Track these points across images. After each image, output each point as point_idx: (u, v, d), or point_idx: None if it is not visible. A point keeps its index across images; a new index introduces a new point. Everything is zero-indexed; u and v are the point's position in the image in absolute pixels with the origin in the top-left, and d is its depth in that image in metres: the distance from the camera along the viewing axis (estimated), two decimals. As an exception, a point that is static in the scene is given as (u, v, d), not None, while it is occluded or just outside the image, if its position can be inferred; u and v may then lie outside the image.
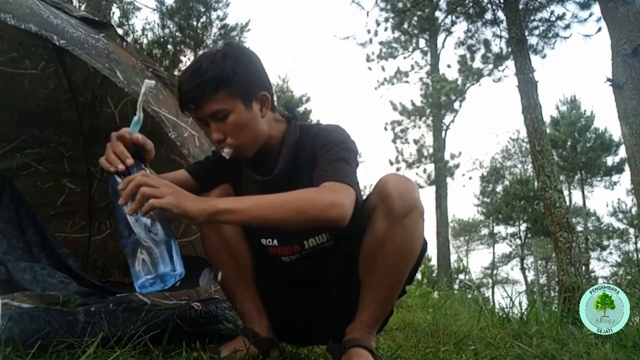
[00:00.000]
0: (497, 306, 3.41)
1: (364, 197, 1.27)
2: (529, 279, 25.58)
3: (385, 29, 13.64)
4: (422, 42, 16.94)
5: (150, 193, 1.01)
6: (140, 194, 1.01)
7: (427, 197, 17.30)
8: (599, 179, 22.45)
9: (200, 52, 13.06)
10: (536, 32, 8.42)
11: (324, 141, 1.22)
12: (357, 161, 1.25)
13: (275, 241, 1.31)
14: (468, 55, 14.59)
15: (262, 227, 1.23)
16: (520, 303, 2.84)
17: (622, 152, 20.77)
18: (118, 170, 1.08)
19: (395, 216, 1.14)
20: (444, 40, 16.68)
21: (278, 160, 1.25)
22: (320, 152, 1.21)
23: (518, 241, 23.99)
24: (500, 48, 11.28)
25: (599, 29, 7.69)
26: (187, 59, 12.84)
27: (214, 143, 1.24)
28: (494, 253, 27.16)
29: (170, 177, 1.33)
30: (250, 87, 1.19)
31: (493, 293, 21.74)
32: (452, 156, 17.56)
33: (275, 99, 1.32)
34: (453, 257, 21.30)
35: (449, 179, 17.08)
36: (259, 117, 1.22)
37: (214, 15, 13.31)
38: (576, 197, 23.83)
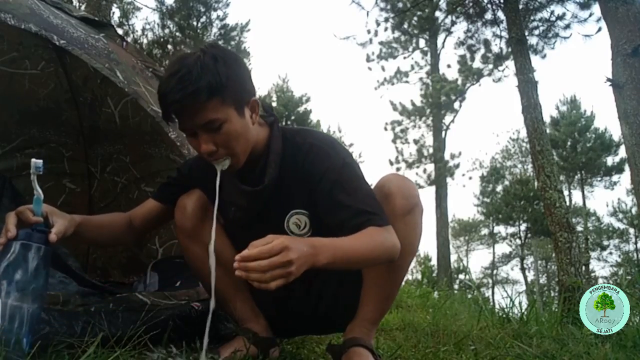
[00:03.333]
0: (497, 306, 3.41)
1: None
2: (529, 279, 25.59)
3: (385, 29, 13.67)
4: (422, 42, 16.96)
5: (280, 274, 0.92)
6: (270, 276, 0.91)
7: (427, 197, 17.30)
8: (599, 179, 22.44)
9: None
10: (536, 32, 8.42)
11: (323, 166, 1.17)
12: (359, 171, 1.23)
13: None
14: (468, 55, 14.60)
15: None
16: (520, 303, 2.83)
17: (622, 152, 20.78)
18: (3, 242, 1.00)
19: (397, 214, 1.17)
20: (444, 40, 16.70)
21: (267, 168, 1.20)
22: (325, 177, 1.16)
23: (518, 241, 23.98)
24: (500, 48, 11.28)
25: (599, 29, 7.68)
26: (187, 59, 12.83)
27: (202, 155, 1.14)
28: (494, 253, 27.18)
29: (140, 212, 1.33)
30: (242, 94, 1.12)
31: (493, 293, 21.76)
32: (452, 156, 17.57)
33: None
34: (453, 257, 21.32)
35: (449, 179, 17.09)
36: (250, 125, 1.16)
37: (214, 15, 13.31)
38: (576, 197, 23.85)
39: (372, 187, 1.23)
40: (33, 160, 1.10)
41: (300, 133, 1.26)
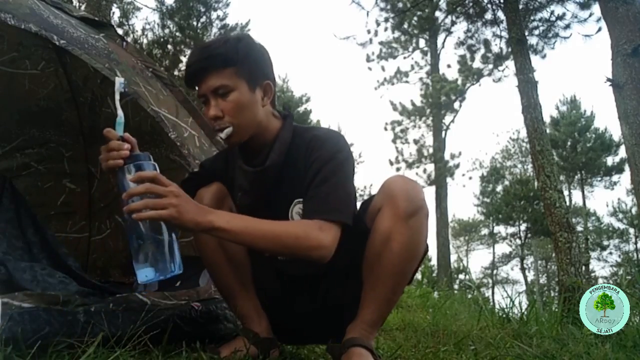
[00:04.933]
0: (497, 306, 3.41)
1: (370, 197, 1.28)
2: (529, 279, 25.59)
3: (385, 29, 13.68)
4: (422, 42, 16.96)
5: (154, 204, 1.03)
6: (143, 203, 1.03)
7: (427, 197, 17.24)
8: (599, 179, 22.44)
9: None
10: (536, 32, 8.42)
11: (317, 154, 1.22)
12: (353, 171, 1.25)
13: None
14: (468, 55, 14.61)
15: (249, 248, 1.25)
16: (520, 303, 2.83)
17: (622, 152, 20.77)
18: (118, 165, 1.08)
19: (401, 217, 1.15)
20: (444, 40, 16.71)
21: (270, 153, 1.26)
22: (313, 166, 1.21)
23: (518, 241, 23.97)
24: (500, 48, 11.29)
25: (599, 29, 7.69)
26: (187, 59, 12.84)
27: (208, 121, 1.23)
28: (494, 253, 27.18)
29: None
30: (257, 73, 1.22)
31: (493, 293, 21.75)
32: (452, 156, 17.57)
33: (276, 97, 1.33)
34: (453, 257, 21.32)
35: (449, 179, 17.09)
36: (259, 104, 1.23)
37: (214, 15, 13.28)
38: (576, 197, 23.85)
39: (371, 187, 1.23)
40: (117, 78, 1.17)
41: (310, 129, 1.32)
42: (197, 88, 1.23)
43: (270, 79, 1.26)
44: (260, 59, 1.25)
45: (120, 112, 1.12)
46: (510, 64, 12.31)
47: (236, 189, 1.32)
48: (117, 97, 1.14)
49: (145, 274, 1.04)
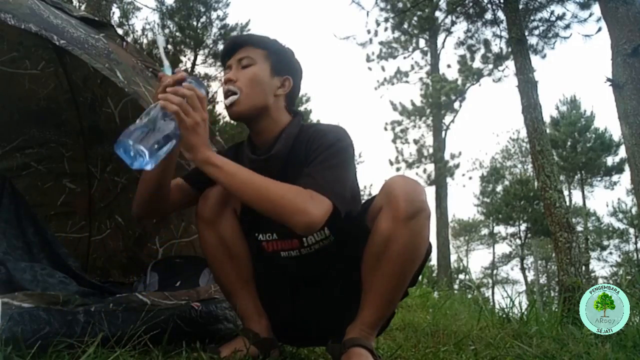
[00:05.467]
0: (497, 306, 3.41)
1: (371, 197, 1.27)
2: (529, 279, 25.59)
3: (385, 29, 13.67)
4: (422, 42, 16.95)
5: (185, 108, 1.11)
6: (179, 101, 1.11)
7: (427, 197, 17.27)
8: (599, 179, 22.43)
9: (200, 52, 13.08)
10: (536, 32, 8.42)
11: (318, 143, 1.24)
12: (352, 161, 1.26)
13: (274, 235, 1.32)
14: (468, 55, 14.60)
15: (235, 197, 1.26)
16: (520, 303, 2.84)
17: (622, 152, 20.76)
18: (183, 78, 1.15)
19: (401, 218, 1.14)
20: (444, 40, 16.68)
21: (276, 143, 1.28)
22: (312, 154, 1.22)
23: (518, 241, 23.97)
24: (500, 48, 11.29)
25: (599, 29, 7.68)
26: (187, 59, 12.83)
27: (223, 83, 1.32)
28: (494, 253, 27.18)
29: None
30: (282, 66, 1.33)
31: (493, 293, 21.73)
32: (452, 156, 17.54)
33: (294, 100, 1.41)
34: (453, 257, 21.29)
35: (449, 179, 17.07)
36: (273, 90, 1.31)
37: (214, 15, 13.28)
38: (576, 197, 23.85)
39: (371, 187, 1.23)
40: (158, 36, 1.51)
41: (315, 124, 1.36)
42: (227, 64, 1.33)
43: (292, 77, 1.35)
44: (290, 60, 1.37)
45: (166, 62, 1.21)
46: (510, 64, 12.31)
47: None
48: (162, 50, 1.26)
49: (123, 147, 1.06)
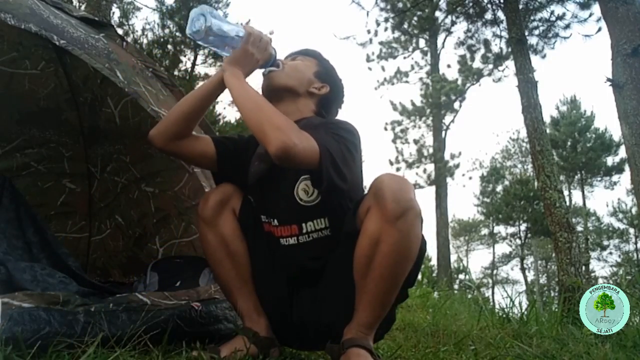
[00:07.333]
0: (497, 306, 3.42)
1: (360, 197, 1.26)
2: (529, 279, 25.59)
3: (385, 29, 13.63)
4: (422, 42, 16.93)
5: (253, 33, 1.30)
6: (258, 33, 1.32)
7: (427, 197, 17.26)
8: (599, 179, 22.43)
9: (200, 53, 13.08)
10: (536, 32, 8.41)
11: (327, 126, 1.31)
12: (356, 147, 1.28)
13: (275, 220, 1.33)
14: (468, 55, 14.59)
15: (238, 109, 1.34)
16: (520, 303, 2.84)
17: (622, 152, 20.77)
18: None
19: (389, 218, 1.12)
20: (444, 40, 16.66)
21: None
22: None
23: (518, 241, 23.97)
24: (500, 48, 11.28)
25: (599, 29, 7.67)
26: (187, 59, 12.82)
27: (276, 62, 1.43)
28: (494, 253, 27.18)
29: (195, 138, 1.43)
30: (326, 76, 1.50)
31: (493, 293, 21.73)
32: (452, 156, 17.53)
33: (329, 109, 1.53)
34: (453, 257, 21.30)
35: (449, 179, 17.06)
36: (309, 85, 1.45)
37: (214, 15, 13.26)
38: (576, 197, 23.85)
39: (367, 188, 1.23)
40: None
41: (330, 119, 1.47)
42: None
43: (331, 87, 1.49)
44: (334, 76, 1.53)
45: (234, 25, 1.33)
46: (510, 64, 12.31)
47: (254, 159, 1.41)
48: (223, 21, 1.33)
49: (200, 12, 1.23)
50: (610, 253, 24.06)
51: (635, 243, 24.01)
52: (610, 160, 21.75)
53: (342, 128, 1.29)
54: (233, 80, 1.29)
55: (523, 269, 25.32)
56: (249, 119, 1.23)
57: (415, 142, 18.03)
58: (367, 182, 1.33)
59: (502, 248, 28.07)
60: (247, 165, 1.42)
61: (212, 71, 13.03)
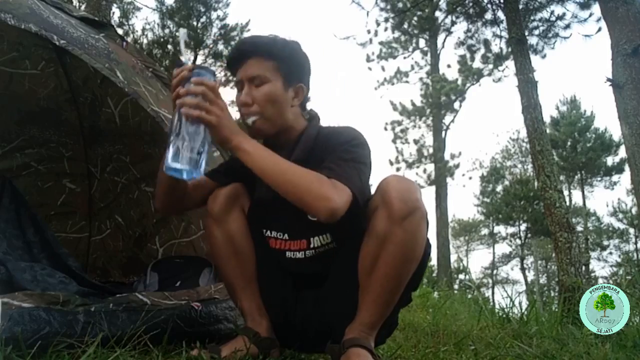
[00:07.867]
0: (497, 306, 3.42)
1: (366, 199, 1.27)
2: (529, 279, 25.59)
3: (385, 29, 13.66)
4: (422, 42, 16.94)
5: (203, 107, 1.11)
6: (196, 102, 1.11)
7: (427, 197, 17.26)
8: (599, 179, 22.44)
9: (200, 52, 13.09)
10: (536, 32, 8.40)
11: (335, 141, 1.26)
12: (368, 160, 1.27)
13: (285, 235, 1.33)
14: (468, 55, 14.60)
15: (263, 180, 1.24)
16: (520, 303, 2.84)
17: (622, 152, 20.78)
18: (185, 77, 1.14)
19: (395, 218, 1.14)
20: (444, 40, 16.68)
21: (295, 149, 1.29)
22: (330, 151, 1.24)
23: (518, 241, 23.98)
24: (500, 48, 11.30)
25: (599, 29, 7.66)
26: (187, 59, 12.84)
27: (238, 106, 1.29)
28: (494, 253, 27.18)
29: (194, 189, 1.38)
30: (294, 75, 1.30)
31: (493, 293, 21.71)
32: (452, 156, 17.54)
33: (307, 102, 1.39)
34: (453, 257, 21.32)
35: (449, 179, 17.06)
36: (289, 103, 1.30)
37: (214, 15, 13.29)
38: (576, 197, 23.85)
39: (374, 189, 1.23)
40: (181, 29, 1.35)
41: (331, 127, 1.37)
42: (236, 73, 1.30)
43: (304, 84, 1.34)
44: (301, 63, 1.33)
45: (184, 58, 1.20)
46: (510, 64, 12.33)
47: (261, 183, 1.32)
48: (183, 44, 1.26)
49: (174, 166, 1.10)
50: (610, 253, 24.08)
51: (635, 243, 24.02)
52: (610, 160, 21.78)
53: (354, 145, 1.25)
54: (242, 156, 1.17)
55: (523, 269, 25.34)
56: (284, 191, 1.17)
57: (415, 142, 18.04)
58: (369, 182, 1.33)
59: (502, 248, 28.10)
60: (251, 177, 1.34)
61: (212, 71, 13.02)
